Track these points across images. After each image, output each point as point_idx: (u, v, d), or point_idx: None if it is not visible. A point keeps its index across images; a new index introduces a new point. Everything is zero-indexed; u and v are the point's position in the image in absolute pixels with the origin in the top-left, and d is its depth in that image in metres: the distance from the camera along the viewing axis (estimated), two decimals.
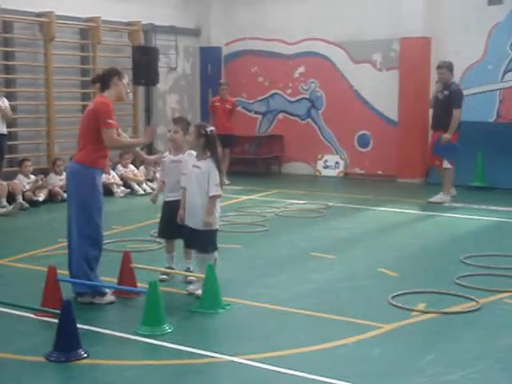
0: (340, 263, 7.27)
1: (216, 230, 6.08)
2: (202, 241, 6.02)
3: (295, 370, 4.46)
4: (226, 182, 11.25)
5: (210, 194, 5.93)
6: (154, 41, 14.15)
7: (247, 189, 11.41)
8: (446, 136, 10.45)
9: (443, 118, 10.47)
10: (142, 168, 12.49)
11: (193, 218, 6.02)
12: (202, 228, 5.96)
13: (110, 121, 5.74)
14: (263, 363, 4.59)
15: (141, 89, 13.87)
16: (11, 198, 10.25)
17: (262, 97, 14.98)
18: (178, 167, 6.39)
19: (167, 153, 6.68)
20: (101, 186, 5.94)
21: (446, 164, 10.80)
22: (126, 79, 6.04)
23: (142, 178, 12.22)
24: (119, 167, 12.14)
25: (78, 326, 4.73)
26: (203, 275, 5.77)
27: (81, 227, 5.77)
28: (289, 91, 14.68)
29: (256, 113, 15.11)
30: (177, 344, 4.92)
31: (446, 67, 10.64)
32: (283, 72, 14.59)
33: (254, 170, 13.91)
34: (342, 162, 14.20)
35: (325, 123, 14.32)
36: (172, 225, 6.33)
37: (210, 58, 15.08)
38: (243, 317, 5.64)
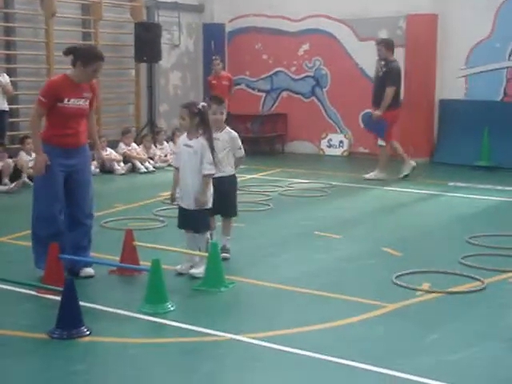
0: (344, 243, 7.22)
1: (209, 210, 6.03)
2: (194, 221, 5.99)
3: (299, 349, 4.42)
4: None
5: (204, 173, 5.88)
6: (157, 17, 14.02)
7: (250, 168, 11.32)
8: (377, 113, 10.61)
9: (380, 95, 10.61)
10: (142, 146, 12.41)
11: (186, 199, 5.97)
12: (193, 208, 5.93)
13: (41, 98, 5.69)
14: (266, 342, 4.55)
15: (143, 66, 13.75)
16: (16, 175, 10.19)
17: (266, 74, 14.86)
18: (216, 144, 6.34)
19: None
20: (58, 166, 5.73)
21: (380, 141, 10.93)
22: (95, 67, 5.72)
23: (144, 156, 12.14)
24: (121, 145, 12.07)
25: (81, 303, 4.69)
26: (203, 254, 5.75)
27: (33, 203, 5.88)
28: (293, 69, 14.55)
29: (259, 91, 14.99)
30: (179, 322, 4.89)
31: (384, 44, 10.79)
32: (287, 49, 14.45)
33: (258, 149, 13.82)
34: (346, 141, 14.11)
35: (329, 101, 14.21)
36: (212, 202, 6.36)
37: (213, 35, 14.92)
38: (247, 295, 5.61)
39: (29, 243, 6.09)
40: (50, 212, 5.78)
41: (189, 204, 5.97)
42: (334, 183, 10.66)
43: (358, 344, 4.57)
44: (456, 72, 12.85)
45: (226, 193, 6.44)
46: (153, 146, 12.52)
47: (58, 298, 4.74)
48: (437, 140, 13.19)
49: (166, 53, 13.93)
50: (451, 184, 10.57)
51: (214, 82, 12.97)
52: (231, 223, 6.62)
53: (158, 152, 12.51)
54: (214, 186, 6.34)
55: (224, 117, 6.45)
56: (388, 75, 10.62)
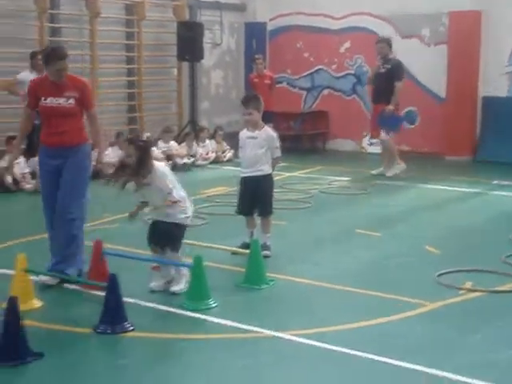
0: (385, 240, 7.20)
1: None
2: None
3: (338, 346, 4.45)
4: None
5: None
6: (199, 16, 14.11)
7: (291, 165, 11.34)
8: (390, 107, 10.80)
9: (385, 91, 10.82)
10: (184, 144, 12.49)
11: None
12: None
13: (28, 98, 5.85)
14: (306, 339, 4.58)
15: (185, 65, 13.87)
16: None
17: (307, 72, 14.84)
18: (253, 143, 6.43)
19: (244, 130, 6.61)
20: (45, 165, 5.82)
21: (383, 135, 11.05)
22: (56, 66, 5.62)
23: (184, 153, 12.19)
24: (160, 143, 12.09)
25: (124, 299, 4.78)
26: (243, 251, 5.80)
27: None
28: (334, 67, 14.52)
29: (301, 89, 14.99)
30: (221, 318, 4.95)
31: (386, 42, 11.17)
32: (329, 47, 14.41)
33: (299, 147, 13.83)
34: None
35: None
36: (250, 200, 6.45)
37: (254, 34, 14.96)
38: (287, 292, 5.64)
39: None
40: (43, 210, 5.85)
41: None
42: (375, 181, 10.62)
43: (397, 342, 4.57)
44: (499, 69, 12.67)
45: (262, 191, 6.47)
46: (195, 143, 12.60)
47: (102, 294, 4.83)
48: (480, 137, 13.03)
49: (207, 52, 14.01)
50: (495, 182, 10.44)
51: (255, 80, 12.99)
52: (270, 221, 6.66)
53: (200, 150, 12.60)
54: (249, 184, 6.39)
55: (255, 117, 6.45)
56: (394, 71, 10.85)
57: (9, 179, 9.59)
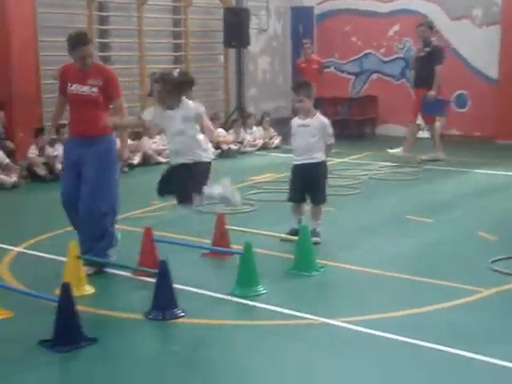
0: (437, 227, 7.08)
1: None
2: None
3: (389, 333, 4.38)
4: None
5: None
6: (245, 2, 14.05)
7: (340, 151, 11.22)
8: (432, 93, 10.70)
9: (425, 76, 10.73)
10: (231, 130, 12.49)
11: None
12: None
13: (59, 83, 5.82)
14: (357, 326, 4.53)
15: (232, 51, 13.83)
16: None
17: (355, 57, 14.67)
18: (305, 131, 6.35)
19: (296, 118, 6.55)
20: (68, 154, 5.79)
21: (421, 120, 11.09)
22: (80, 53, 5.56)
23: (231, 139, 12.19)
24: None
25: (174, 285, 4.79)
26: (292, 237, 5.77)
27: None
28: (382, 50, 14.31)
29: (349, 73, 14.82)
30: (271, 305, 4.92)
31: (427, 25, 11.09)
32: (377, 31, 14.21)
33: (347, 132, 13.68)
34: (438, 124, 13.75)
35: None
36: (302, 188, 6.41)
37: (301, 18, 14.82)
38: (338, 279, 5.60)
39: (123, 226, 6.27)
40: (64, 204, 5.74)
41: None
42: (425, 166, 10.45)
43: (451, 329, 4.49)
44: None
45: (315, 179, 6.42)
46: (242, 130, 12.59)
47: (153, 280, 4.85)
48: None
49: (254, 37, 13.94)
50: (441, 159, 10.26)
51: (303, 65, 12.91)
52: (321, 208, 6.60)
53: (248, 136, 12.59)
54: (302, 171, 6.34)
55: (306, 104, 6.36)
56: (434, 55, 10.74)
57: (58, 167, 9.67)
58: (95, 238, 5.65)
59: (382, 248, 6.37)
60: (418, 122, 11.13)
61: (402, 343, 4.27)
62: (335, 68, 14.84)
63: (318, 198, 6.52)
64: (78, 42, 5.58)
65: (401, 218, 7.41)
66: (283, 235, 6.38)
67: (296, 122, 6.49)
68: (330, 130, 6.45)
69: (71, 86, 5.64)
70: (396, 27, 14.04)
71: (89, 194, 5.57)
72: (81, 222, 5.68)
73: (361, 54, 14.57)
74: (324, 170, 6.53)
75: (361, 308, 4.88)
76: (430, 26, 11.08)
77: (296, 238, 5.82)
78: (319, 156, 6.42)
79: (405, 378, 3.91)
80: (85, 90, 5.61)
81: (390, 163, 10.81)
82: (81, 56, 5.57)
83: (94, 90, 5.61)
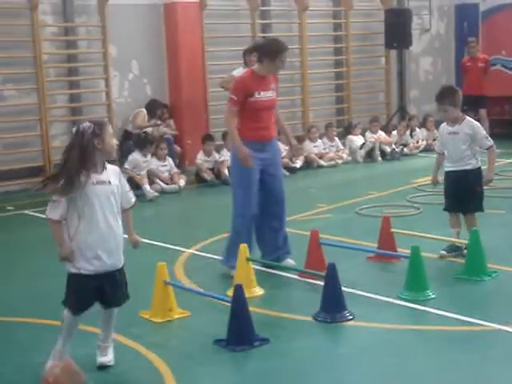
0: None
1: None
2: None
3: None
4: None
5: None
6: (407, 2, 13.83)
7: (508, 151, 10.76)
8: None
9: None
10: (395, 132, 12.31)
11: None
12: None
13: (232, 96, 5.75)
14: None
15: (393, 52, 13.66)
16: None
17: None
18: (455, 138, 6.09)
19: (444, 124, 6.35)
20: (255, 160, 5.73)
21: None
22: (282, 58, 5.71)
23: (391, 140, 12.02)
24: (368, 133, 11.94)
25: (342, 288, 4.81)
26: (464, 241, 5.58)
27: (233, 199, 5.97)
28: None
29: None
30: (442, 310, 4.82)
31: None
32: None
33: None
34: None
35: None
36: (455, 196, 6.10)
37: (465, 16, 14.37)
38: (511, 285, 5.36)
39: (289, 229, 6.36)
40: (246, 208, 5.80)
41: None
42: None
43: None
44: None
45: (469, 188, 6.07)
46: (407, 132, 12.40)
47: (319, 283, 4.90)
48: None
49: (416, 38, 13.69)
50: None
51: (468, 64, 12.53)
52: (475, 217, 6.17)
53: (411, 138, 12.38)
54: (452, 178, 6.08)
55: (451, 113, 6.01)
56: None
57: (225, 172, 9.98)
58: (281, 244, 5.99)
59: None
60: None
61: None
62: (502, 65, 14.21)
63: (474, 206, 6.13)
64: (281, 47, 5.78)
65: None
66: (442, 252, 6.06)
67: (445, 129, 6.19)
68: (483, 132, 6.09)
69: (259, 94, 5.77)
70: None
71: (280, 193, 5.96)
72: (269, 229, 5.95)
73: None
74: (479, 177, 6.12)
75: None
76: None
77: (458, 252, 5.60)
78: (473, 163, 6.05)
79: None
80: (269, 95, 5.85)
81: None
82: (282, 60, 5.77)
83: (274, 94, 5.90)
